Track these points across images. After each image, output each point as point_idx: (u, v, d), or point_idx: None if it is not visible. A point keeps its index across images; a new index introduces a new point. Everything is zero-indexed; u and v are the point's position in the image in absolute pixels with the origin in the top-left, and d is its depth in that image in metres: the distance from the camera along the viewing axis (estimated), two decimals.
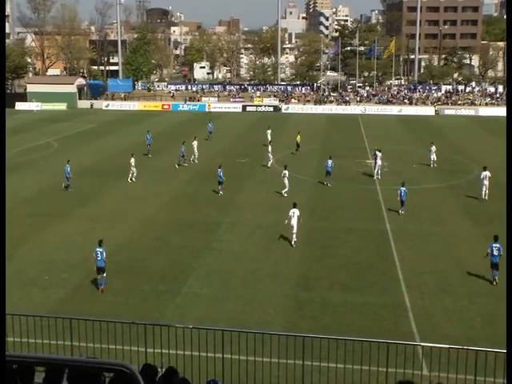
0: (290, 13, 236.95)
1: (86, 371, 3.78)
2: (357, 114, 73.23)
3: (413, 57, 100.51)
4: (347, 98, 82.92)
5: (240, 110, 77.98)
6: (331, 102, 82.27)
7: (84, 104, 79.90)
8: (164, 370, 6.72)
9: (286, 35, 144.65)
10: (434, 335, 16.34)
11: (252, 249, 24.30)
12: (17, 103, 77.32)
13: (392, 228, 26.82)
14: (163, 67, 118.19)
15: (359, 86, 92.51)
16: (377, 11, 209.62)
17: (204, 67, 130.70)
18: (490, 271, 20.77)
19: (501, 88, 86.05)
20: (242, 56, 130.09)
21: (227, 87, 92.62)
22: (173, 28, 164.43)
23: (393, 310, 18.57)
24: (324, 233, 26.38)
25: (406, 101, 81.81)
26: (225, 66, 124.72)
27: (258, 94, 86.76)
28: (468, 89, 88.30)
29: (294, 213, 24.53)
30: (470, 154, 44.36)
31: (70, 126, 62.19)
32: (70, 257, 23.10)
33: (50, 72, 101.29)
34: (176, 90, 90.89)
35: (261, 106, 79.12)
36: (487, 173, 31.26)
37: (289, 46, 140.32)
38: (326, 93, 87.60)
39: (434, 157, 39.47)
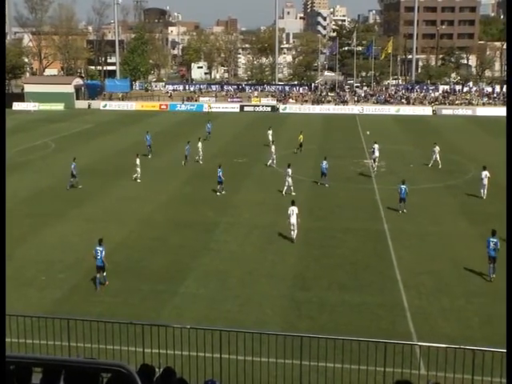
0: (288, 13, 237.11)
1: (84, 372, 3.78)
2: (354, 114, 73.29)
3: (410, 57, 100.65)
4: (345, 98, 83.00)
5: (238, 110, 77.98)
6: (329, 101, 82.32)
7: (81, 104, 79.81)
8: (161, 370, 6.72)
9: (284, 35, 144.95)
10: (432, 335, 16.35)
11: (249, 249, 24.30)
12: (14, 103, 77.21)
13: (389, 228, 26.85)
14: (161, 67, 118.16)
15: (357, 86, 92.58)
16: (374, 11, 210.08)
17: (202, 67, 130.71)
18: (487, 271, 20.85)
19: (498, 88, 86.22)
20: (239, 56, 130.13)
21: (225, 87, 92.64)
22: (170, 28, 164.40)
23: (390, 309, 18.58)
24: (322, 232, 26.40)
25: (403, 101, 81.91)
26: (222, 65, 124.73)
27: (256, 94, 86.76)
28: (465, 89, 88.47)
29: (293, 211, 24.66)
30: (467, 154, 44.41)
31: (68, 126, 62.11)
32: (66, 257, 23.07)
33: (48, 72, 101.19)
34: (174, 90, 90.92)
35: (258, 106, 79.14)
36: (486, 172, 31.45)
37: (286, 45, 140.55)
38: (324, 93, 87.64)
39: (437, 157, 39.25)
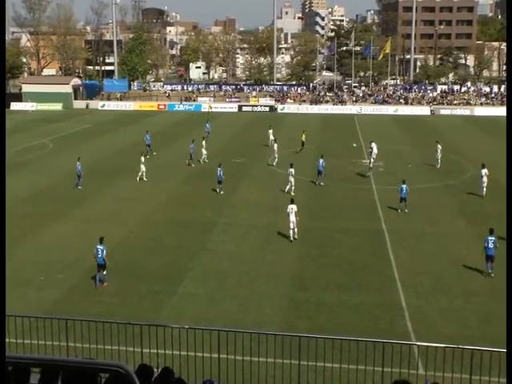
0: (286, 13, 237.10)
1: (82, 372, 3.78)
2: (352, 114, 73.32)
3: (408, 57, 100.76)
4: (343, 98, 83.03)
5: (236, 110, 77.98)
6: (327, 101, 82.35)
7: (79, 104, 79.73)
8: (160, 370, 6.72)
9: (282, 35, 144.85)
10: (430, 334, 16.37)
11: (247, 249, 24.31)
12: (12, 103, 77.14)
13: (388, 228, 26.87)
14: (159, 67, 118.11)
15: (355, 86, 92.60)
16: (372, 11, 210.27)
17: (200, 67, 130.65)
18: (485, 270, 20.88)
19: (496, 88, 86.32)
20: (237, 56, 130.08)
21: (223, 87, 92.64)
22: (168, 28, 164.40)
23: (388, 309, 18.60)
24: (320, 232, 26.41)
25: (401, 101, 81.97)
26: (221, 65, 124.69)
27: (254, 93, 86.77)
28: (463, 89, 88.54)
29: (292, 209, 24.77)
30: (465, 154, 44.45)
31: (66, 126, 62.06)
32: (65, 257, 23.06)
33: (46, 72, 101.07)
34: (172, 90, 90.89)
35: (257, 106, 79.14)
36: (486, 170, 31.61)
37: (284, 45, 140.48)
38: (322, 93, 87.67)
39: (439, 156, 39.19)
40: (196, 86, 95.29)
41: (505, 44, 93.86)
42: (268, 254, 23.70)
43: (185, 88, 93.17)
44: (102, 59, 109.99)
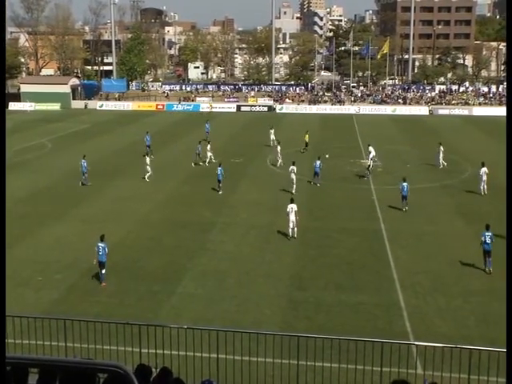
0: (285, 13, 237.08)
1: (81, 372, 3.78)
2: (351, 114, 73.32)
3: (407, 57, 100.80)
4: (341, 98, 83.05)
5: (234, 110, 77.96)
6: (325, 101, 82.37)
7: (78, 104, 79.69)
8: (158, 370, 6.71)
9: (281, 35, 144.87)
10: (428, 334, 16.38)
11: (246, 249, 24.31)
12: (10, 103, 77.06)
13: (386, 227, 26.88)
14: (157, 67, 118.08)
15: (353, 86, 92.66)
16: (371, 11, 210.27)
17: (198, 67, 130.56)
18: (483, 270, 20.91)
19: (494, 88, 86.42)
20: (236, 56, 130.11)
21: (221, 87, 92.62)
22: (167, 28, 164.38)
23: (387, 309, 18.61)
24: (318, 232, 26.42)
25: (400, 100, 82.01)
26: (219, 65, 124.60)
27: (253, 93, 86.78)
28: (462, 89, 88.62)
29: (292, 208, 24.81)
30: (463, 154, 44.47)
31: (64, 126, 62.01)
32: (63, 257, 23.05)
33: (44, 72, 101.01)
34: (170, 90, 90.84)
35: (255, 106, 79.14)
36: (485, 169, 31.71)
37: (283, 45, 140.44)
38: (321, 93, 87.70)
39: (440, 156, 39.14)
40: (194, 86, 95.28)
41: (503, 44, 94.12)
42: (267, 253, 23.70)
43: (183, 88, 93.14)
44: (100, 59, 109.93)
